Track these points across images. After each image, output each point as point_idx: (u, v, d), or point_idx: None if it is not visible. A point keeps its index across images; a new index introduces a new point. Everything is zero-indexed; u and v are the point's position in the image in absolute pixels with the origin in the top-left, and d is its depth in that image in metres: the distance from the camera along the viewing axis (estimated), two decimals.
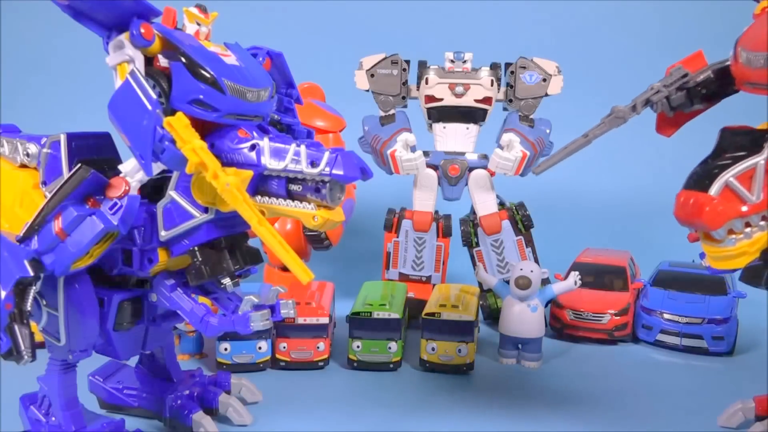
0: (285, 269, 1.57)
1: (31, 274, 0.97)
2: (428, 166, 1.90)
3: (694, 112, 1.11)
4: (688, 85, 1.07)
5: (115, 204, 0.98)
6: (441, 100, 1.88)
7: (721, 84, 1.06)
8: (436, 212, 1.95)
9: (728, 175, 0.89)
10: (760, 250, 0.94)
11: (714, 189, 0.89)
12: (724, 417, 1.31)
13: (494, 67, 1.90)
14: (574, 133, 1.15)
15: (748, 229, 0.92)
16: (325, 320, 1.57)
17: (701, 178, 0.91)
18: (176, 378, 1.33)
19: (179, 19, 1.05)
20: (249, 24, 2.72)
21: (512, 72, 1.88)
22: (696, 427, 1.34)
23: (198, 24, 1.05)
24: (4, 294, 0.96)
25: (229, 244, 1.08)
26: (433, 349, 1.58)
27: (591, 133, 1.10)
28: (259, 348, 1.55)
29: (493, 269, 1.90)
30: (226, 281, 1.08)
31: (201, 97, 0.97)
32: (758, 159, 0.90)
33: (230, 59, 1.02)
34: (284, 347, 1.57)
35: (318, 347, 1.58)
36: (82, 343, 1.10)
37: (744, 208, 0.89)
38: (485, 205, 1.90)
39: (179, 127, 0.95)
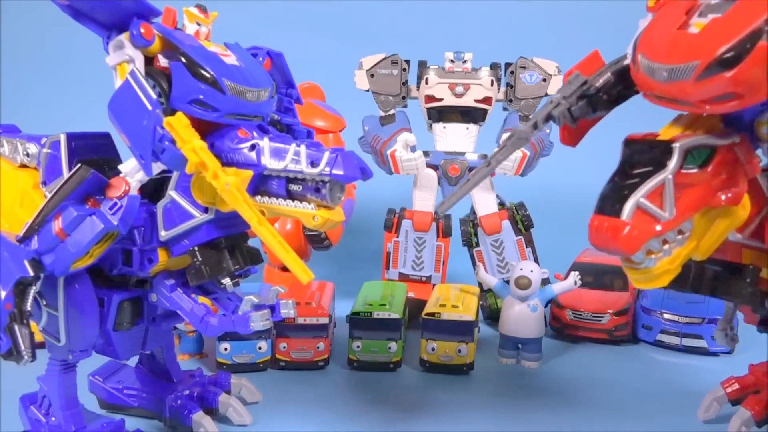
0: (285, 269, 1.57)
1: (31, 274, 0.97)
2: (428, 166, 1.90)
3: (597, 118, 1.06)
4: (588, 93, 1.00)
5: (115, 204, 0.98)
6: (441, 100, 1.88)
7: (623, 87, 0.99)
8: (436, 212, 1.95)
9: (638, 196, 0.84)
10: (681, 265, 0.91)
11: (625, 213, 0.84)
12: (702, 410, 1.33)
13: (494, 67, 1.90)
14: None
15: (666, 246, 0.89)
16: (325, 320, 1.57)
17: (611, 202, 0.86)
18: (176, 378, 1.33)
19: (179, 19, 1.05)
20: (249, 24, 2.73)
21: (512, 72, 1.88)
22: (695, 427, 1.34)
23: (198, 24, 1.05)
24: (4, 294, 0.96)
25: (229, 244, 1.08)
26: (433, 349, 1.58)
27: (493, 159, 1.04)
28: (259, 348, 1.55)
29: (493, 269, 1.90)
30: (226, 281, 1.08)
31: (201, 97, 0.97)
32: (666, 174, 0.85)
33: (230, 59, 1.02)
34: (284, 347, 1.57)
35: (318, 347, 1.58)
36: (82, 343, 1.10)
37: (658, 227, 0.85)
38: (485, 205, 1.90)
39: (179, 127, 0.95)
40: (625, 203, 0.84)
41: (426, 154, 1.89)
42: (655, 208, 0.85)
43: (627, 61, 0.96)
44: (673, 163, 0.85)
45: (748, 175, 0.89)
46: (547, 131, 1.88)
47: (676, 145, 0.86)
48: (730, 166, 0.88)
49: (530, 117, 1.02)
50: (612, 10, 2.90)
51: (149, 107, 0.94)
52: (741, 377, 1.30)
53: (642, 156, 0.88)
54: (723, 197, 0.87)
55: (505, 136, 1.04)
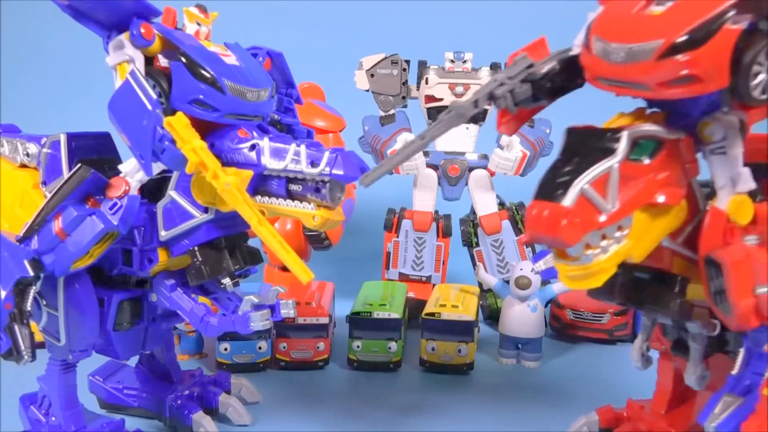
0: (285, 269, 1.56)
1: (31, 274, 0.97)
2: (428, 166, 1.90)
3: (536, 108, 1.00)
4: (534, 77, 0.94)
5: (115, 204, 0.98)
6: (441, 100, 1.88)
7: (568, 77, 0.95)
8: (436, 212, 1.95)
9: (583, 182, 0.78)
10: (616, 266, 0.84)
11: (568, 198, 0.77)
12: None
13: (494, 67, 1.90)
14: None
15: (604, 243, 0.82)
16: (325, 320, 1.57)
17: (554, 187, 0.79)
18: (176, 378, 1.33)
19: (179, 19, 1.05)
20: (249, 24, 2.72)
21: None
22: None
23: (198, 24, 1.06)
24: (4, 294, 0.96)
25: (229, 244, 1.08)
26: (433, 349, 1.58)
27: (428, 134, 0.97)
28: (259, 348, 1.55)
29: (493, 269, 1.90)
30: (226, 281, 1.08)
31: (201, 97, 0.97)
32: (613, 161, 0.79)
33: (230, 59, 1.02)
34: (284, 347, 1.57)
35: (318, 347, 1.58)
36: (82, 343, 1.10)
37: (602, 218, 0.79)
38: (485, 205, 1.90)
39: (179, 127, 0.95)
40: (568, 188, 0.78)
41: (426, 154, 1.89)
42: (599, 198, 0.79)
43: (573, 52, 0.92)
44: (621, 149, 0.81)
45: (688, 176, 0.87)
46: (547, 131, 1.88)
47: (625, 133, 0.82)
48: (673, 163, 0.85)
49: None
50: None
51: (149, 107, 0.94)
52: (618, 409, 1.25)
53: (588, 143, 0.83)
54: (663, 196, 0.84)
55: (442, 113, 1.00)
